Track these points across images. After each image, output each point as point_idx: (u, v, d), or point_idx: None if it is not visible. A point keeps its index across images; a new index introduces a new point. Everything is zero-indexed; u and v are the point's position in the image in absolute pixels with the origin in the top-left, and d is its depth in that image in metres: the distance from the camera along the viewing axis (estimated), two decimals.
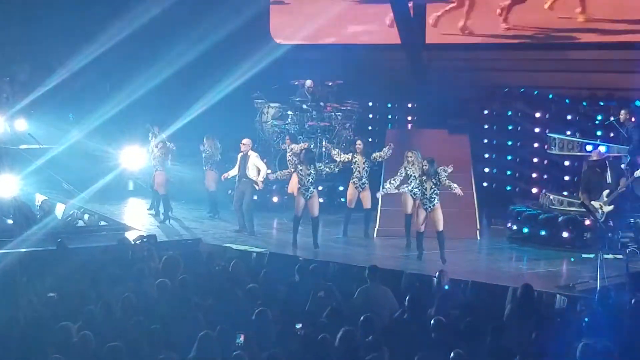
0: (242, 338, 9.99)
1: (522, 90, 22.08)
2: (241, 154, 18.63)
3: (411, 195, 16.99)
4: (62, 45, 23.31)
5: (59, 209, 18.77)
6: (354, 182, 18.25)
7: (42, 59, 23.54)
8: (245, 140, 18.68)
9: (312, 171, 17.07)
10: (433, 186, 16.10)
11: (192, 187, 20.90)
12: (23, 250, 15.85)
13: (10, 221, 18.05)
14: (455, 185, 16.14)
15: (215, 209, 20.28)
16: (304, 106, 22.62)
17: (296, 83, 23.32)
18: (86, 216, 18.95)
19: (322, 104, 22.70)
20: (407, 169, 17.12)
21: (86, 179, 20.47)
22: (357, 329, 10.29)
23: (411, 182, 16.76)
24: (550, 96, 21.55)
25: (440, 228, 16.18)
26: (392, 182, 16.74)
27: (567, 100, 21.26)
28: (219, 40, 23.15)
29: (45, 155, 20.90)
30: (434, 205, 16.12)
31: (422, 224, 16.33)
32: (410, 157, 17.24)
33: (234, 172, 18.80)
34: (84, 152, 21.74)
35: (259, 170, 18.45)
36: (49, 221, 18.17)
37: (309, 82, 23.04)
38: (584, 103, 20.95)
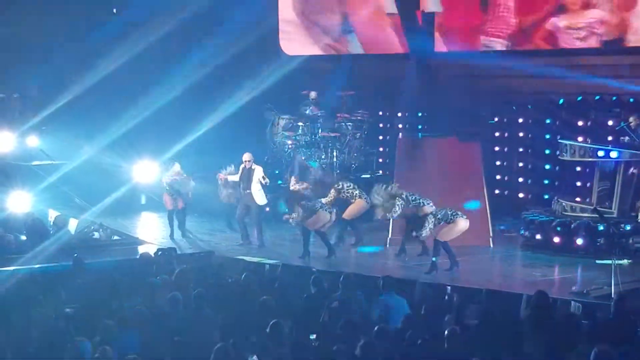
0: (254, 358, 10.01)
1: (533, 97, 22.09)
2: (244, 167, 18.64)
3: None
4: (74, 61, 23.39)
5: (72, 224, 18.81)
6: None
7: (53, 75, 23.59)
8: (246, 156, 18.63)
9: None
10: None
11: (203, 200, 20.89)
12: (36, 266, 15.90)
13: (23, 237, 18.10)
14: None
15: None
16: (310, 116, 22.64)
17: (305, 94, 23.37)
18: (99, 231, 18.96)
19: (326, 115, 22.70)
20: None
21: (99, 194, 20.51)
22: (373, 340, 10.27)
23: None
24: (561, 101, 21.52)
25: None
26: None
27: (578, 106, 21.24)
28: (230, 55, 23.25)
29: (58, 171, 20.97)
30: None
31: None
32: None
33: (233, 178, 18.81)
34: (96, 168, 21.77)
35: (261, 184, 18.47)
36: (62, 236, 18.23)
37: (313, 94, 23.09)
38: (594, 108, 20.94)
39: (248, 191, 18.49)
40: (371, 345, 9.95)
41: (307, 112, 22.88)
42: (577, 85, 21.36)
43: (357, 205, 17.85)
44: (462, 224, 16.20)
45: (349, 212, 17.96)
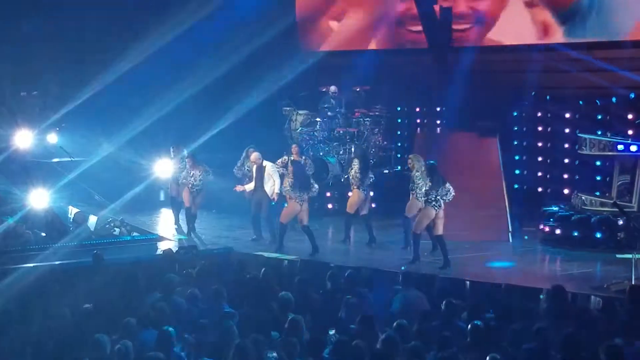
0: (274, 354, 10.03)
1: (551, 91, 22.01)
2: (255, 166, 18.67)
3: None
4: (93, 58, 23.46)
5: (92, 221, 18.88)
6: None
7: (73, 73, 23.66)
8: (252, 157, 18.63)
9: None
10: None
11: (222, 197, 20.92)
12: (56, 262, 15.97)
13: (43, 234, 18.19)
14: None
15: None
16: (329, 113, 22.65)
17: (324, 90, 23.35)
18: (120, 228, 19.03)
19: (344, 110, 22.71)
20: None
21: (118, 190, 20.57)
22: (395, 334, 10.25)
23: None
24: (581, 103, 21.43)
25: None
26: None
27: (597, 100, 21.14)
28: (249, 51, 23.24)
29: (77, 168, 21.04)
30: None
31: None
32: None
33: (250, 186, 18.82)
34: (115, 165, 21.84)
35: (274, 181, 18.48)
36: (81, 233, 18.30)
37: (333, 88, 23.06)
38: (614, 101, 20.83)
39: (260, 189, 18.53)
40: (392, 339, 9.94)
41: (327, 107, 22.85)
42: (596, 79, 21.28)
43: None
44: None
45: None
